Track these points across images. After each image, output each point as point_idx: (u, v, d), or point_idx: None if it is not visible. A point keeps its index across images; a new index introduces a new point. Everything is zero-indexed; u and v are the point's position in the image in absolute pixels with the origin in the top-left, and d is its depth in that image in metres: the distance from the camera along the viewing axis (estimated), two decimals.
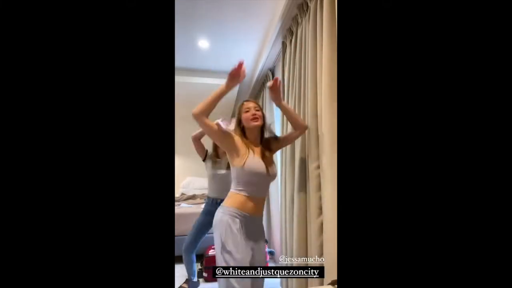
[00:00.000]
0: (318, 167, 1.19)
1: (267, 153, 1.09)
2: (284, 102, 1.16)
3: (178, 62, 2.59)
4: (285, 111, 1.19)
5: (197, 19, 1.92)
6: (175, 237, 2.09)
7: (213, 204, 1.75)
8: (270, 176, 1.05)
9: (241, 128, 1.11)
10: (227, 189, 1.81)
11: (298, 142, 1.41)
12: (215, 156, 1.78)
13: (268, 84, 1.13)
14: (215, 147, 1.79)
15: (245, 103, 1.12)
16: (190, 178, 3.61)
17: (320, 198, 1.17)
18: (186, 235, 1.80)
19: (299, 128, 1.18)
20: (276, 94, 1.13)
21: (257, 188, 1.04)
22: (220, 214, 1.00)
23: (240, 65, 0.96)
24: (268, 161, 1.06)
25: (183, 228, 2.22)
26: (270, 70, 2.47)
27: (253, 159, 1.02)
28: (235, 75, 0.99)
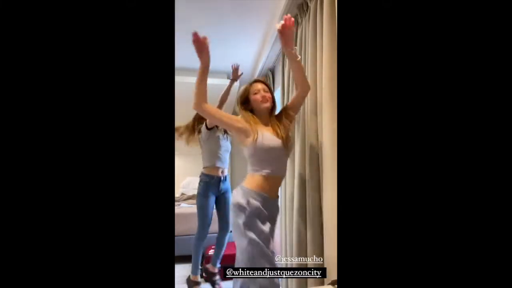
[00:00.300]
0: (318, 167, 1.19)
1: (279, 128, 1.06)
2: (295, 52, 0.99)
3: (178, 62, 2.59)
4: (293, 62, 1.02)
5: (197, 19, 1.92)
6: (175, 237, 2.09)
7: (215, 182, 1.66)
8: (285, 149, 1.03)
9: (250, 109, 1.08)
10: (227, 163, 1.73)
11: (298, 142, 1.41)
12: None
13: (277, 26, 0.90)
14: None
15: (253, 84, 1.09)
16: (190, 178, 3.61)
17: (320, 198, 1.17)
18: (186, 235, 1.79)
19: (301, 86, 1.07)
20: (288, 38, 0.93)
21: (273, 165, 1.01)
22: (239, 195, 0.98)
23: (195, 34, 0.92)
24: (281, 135, 1.03)
25: (183, 228, 2.22)
26: (270, 70, 2.47)
27: (263, 136, 1.00)
28: (198, 48, 0.95)
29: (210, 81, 3.13)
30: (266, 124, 1.08)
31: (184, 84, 2.78)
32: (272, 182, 1.01)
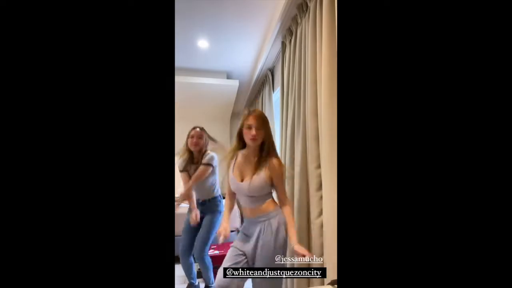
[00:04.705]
0: (318, 167, 1.19)
1: (255, 170, 1.05)
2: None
3: (178, 62, 2.59)
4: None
5: (197, 19, 1.92)
6: (175, 237, 2.09)
7: (197, 203, 1.74)
8: (245, 189, 1.05)
9: (240, 139, 1.10)
10: (205, 192, 1.75)
11: (298, 142, 1.41)
12: (190, 162, 1.70)
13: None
14: (189, 153, 1.70)
15: (249, 117, 1.05)
16: None
17: (320, 198, 1.17)
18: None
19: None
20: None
21: (243, 201, 1.11)
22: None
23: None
24: (247, 173, 1.07)
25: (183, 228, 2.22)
26: (270, 70, 2.47)
27: (231, 175, 1.10)
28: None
29: (209, 81, 3.11)
30: (249, 159, 1.09)
31: (184, 84, 2.79)
32: (249, 210, 1.10)
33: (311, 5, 1.29)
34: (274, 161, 1.05)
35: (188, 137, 1.66)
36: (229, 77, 3.03)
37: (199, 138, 1.64)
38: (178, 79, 2.67)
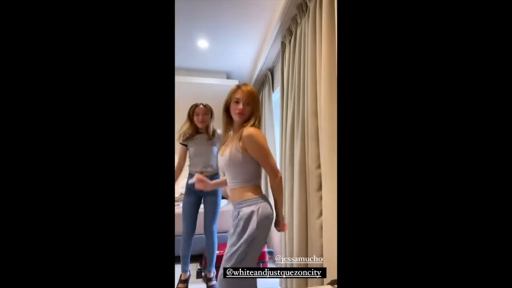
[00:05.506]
0: (318, 167, 1.19)
1: (231, 143, 1.01)
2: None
3: (178, 62, 2.59)
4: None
5: (197, 19, 1.92)
6: (175, 237, 2.09)
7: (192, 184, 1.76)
8: (223, 162, 1.01)
9: (227, 113, 1.06)
10: (207, 163, 1.74)
11: (297, 142, 1.41)
12: (194, 134, 1.71)
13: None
14: (191, 122, 1.69)
15: (238, 90, 1.01)
16: None
17: (320, 198, 1.17)
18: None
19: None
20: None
21: (227, 176, 1.04)
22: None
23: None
24: (226, 151, 1.01)
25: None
26: (269, 70, 2.47)
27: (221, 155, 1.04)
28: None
29: (209, 81, 3.11)
30: (235, 135, 1.02)
31: (184, 84, 2.79)
32: (232, 191, 1.04)
33: (310, 5, 1.29)
34: (246, 129, 0.95)
35: (192, 115, 1.68)
36: (229, 77, 3.03)
37: (205, 114, 1.68)
38: (178, 79, 2.67)
